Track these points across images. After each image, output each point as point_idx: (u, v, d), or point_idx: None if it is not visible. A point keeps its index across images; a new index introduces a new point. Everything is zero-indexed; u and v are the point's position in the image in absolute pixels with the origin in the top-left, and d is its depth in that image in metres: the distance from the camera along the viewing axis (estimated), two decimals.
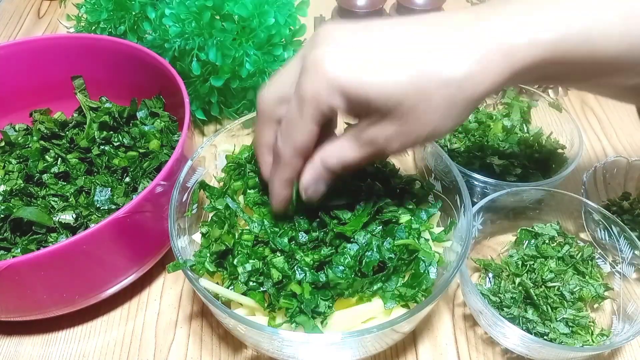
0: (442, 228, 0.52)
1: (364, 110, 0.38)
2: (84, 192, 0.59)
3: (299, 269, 0.45)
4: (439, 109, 0.36)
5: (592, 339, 0.51)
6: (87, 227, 0.55)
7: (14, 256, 0.50)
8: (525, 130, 0.69)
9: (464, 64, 0.35)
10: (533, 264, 0.56)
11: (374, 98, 0.36)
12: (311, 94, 0.37)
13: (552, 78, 0.41)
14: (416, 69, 0.36)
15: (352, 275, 0.44)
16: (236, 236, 0.48)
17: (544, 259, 0.56)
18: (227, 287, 0.46)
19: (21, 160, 0.63)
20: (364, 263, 0.45)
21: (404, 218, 0.49)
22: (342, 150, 0.41)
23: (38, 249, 0.53)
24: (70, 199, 0.58)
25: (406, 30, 0.37)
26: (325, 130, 0.42)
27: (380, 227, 0.48)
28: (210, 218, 0.52)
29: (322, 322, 0.44)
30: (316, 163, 0.42)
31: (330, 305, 0.44)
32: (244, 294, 0.46)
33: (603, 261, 0.56)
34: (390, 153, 0.41)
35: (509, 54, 0.35)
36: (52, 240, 0.54)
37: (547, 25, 0.35)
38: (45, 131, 0.66)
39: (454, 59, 0.35)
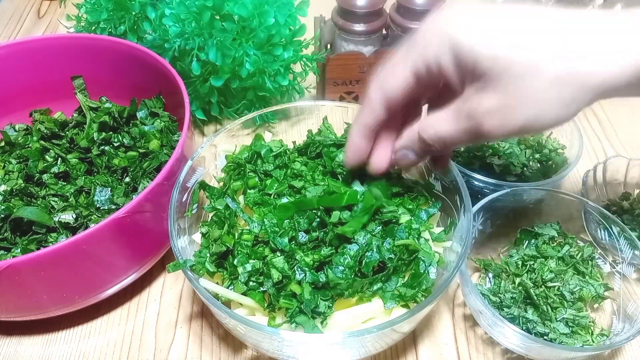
0: (442, 228, 0.52)
1: (469, 72, 0.36)
2: (84, 192, 0.59)
3: (299, 269, 0.45)
4: (547, 86, 0.34)
5: (592, 339, 0.51)
6: (87, 227, 0.55)
7: (14, 256, 0.50)
8: None
9: (591, 54, 0.33)
10: (533, 264, 0.56)
11: (482, 58, 0.35)
12: (422, 42, 0.37)
13: None
14: (534, 41, 0.34)
15: (352, 276, 0.44)
16: (236, 236, 0.48)
17: (544, 259, 0.56)
18: (227, 287, 0.46)
19: (21, 160, 0.63)
20: (363, 263, 0.45)
21: (404, 218, 0.49)
22: (440, 121, 0.40)
23: (38, 249, 0.53)
24: (70, 199, 0.58)
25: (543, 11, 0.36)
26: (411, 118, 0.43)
27: (380, 227, 0.48)
28: (210, 218, 0.52)
29: (322, 323, 0.44)
30: (413, 130, 0.42)
31: (330, 305, 0.44)
32: (244, 294, 0.46)
33: (603, 261, 0.56)
34: (486, 134, 0.37)
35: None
36: (52, 240, 0.54)
37: None
38: (45, 131, 0.66)
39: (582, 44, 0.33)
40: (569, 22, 0.35)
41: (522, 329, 0.48)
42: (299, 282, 0.44)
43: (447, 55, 0.37)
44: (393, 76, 0.40)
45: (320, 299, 0.44)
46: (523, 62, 0.34)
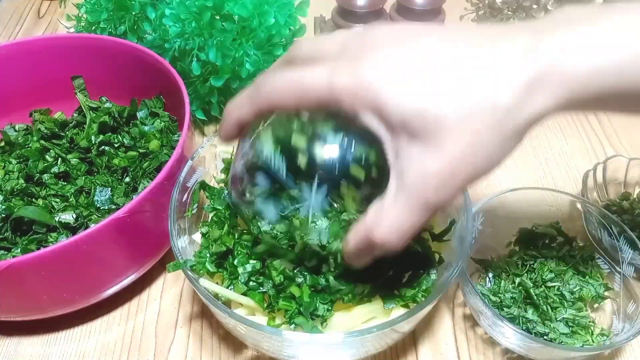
0: (442, 228, 0.52)
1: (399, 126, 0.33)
2: (84, 192, 0.59)
3: (299, 272, 0.45)
4: (481, 136, 0.31)
5: (592, 339, 0.51)
6: (87, 227, 0.55)
7: (14, 256, 0.50)
8: None
9: (514, 89, 0.31)
10: (533, 264, 0.56)
11: (410, 119, 0.32)
12: (346, 86, 0.32)
13: (608, 106, 0.36)
14: (462, 90, 0.31)
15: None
16: (236, 236, 0.48)
17: (544, 259, 0.56)
18: (227, 287, 0.46)
19: (21, 160, 0.63)
20: None
21: None
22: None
23: (38, 249, 0.53)
24: (71, 199, 0.58)
25: (456, 44, 0.32)
26: None
27: None
28: (210, 218, 0.52)
29: (321, 324, 0.44)
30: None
31: (330, 308, 0.44)
32: (244, 294, 0.46)
33: (603, 261, 0.56)
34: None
35: (567, 80, 0.31)
36: (52, 240, 0.54)
37: (613, 49, 0.31)
38: (45, 131, 0.66)
39: (503, 82, 0.31)
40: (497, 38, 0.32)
41: (522, 329, 0.48)
42: (299, 285, 0.44)
43: (370, 110, 0.32)
44: (293, 90, 0.34)
45: (320, 302, 0.44)
46: (454, 117, 0.31)
